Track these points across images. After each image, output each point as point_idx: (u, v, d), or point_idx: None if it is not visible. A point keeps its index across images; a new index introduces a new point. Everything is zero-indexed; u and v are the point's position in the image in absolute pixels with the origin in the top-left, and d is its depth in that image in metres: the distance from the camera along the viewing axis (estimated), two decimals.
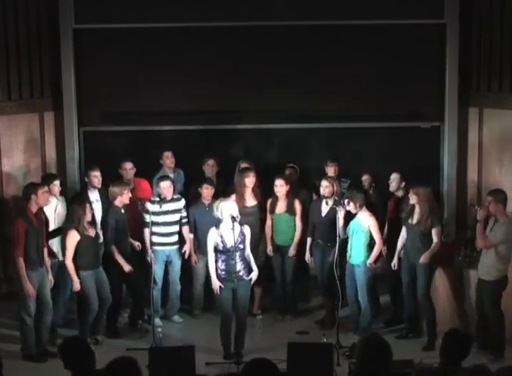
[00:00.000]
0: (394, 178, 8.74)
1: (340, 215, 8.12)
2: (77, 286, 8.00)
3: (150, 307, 8.26)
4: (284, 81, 9.94)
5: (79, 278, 8.00)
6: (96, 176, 8.72)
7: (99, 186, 8.76)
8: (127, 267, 8.29)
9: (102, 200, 8.67)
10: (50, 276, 8.02)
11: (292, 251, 8.77)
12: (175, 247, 8.77)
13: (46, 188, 7.96)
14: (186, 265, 8.93)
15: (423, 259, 8.02)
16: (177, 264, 8.79)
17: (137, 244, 8.61)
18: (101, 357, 4.86)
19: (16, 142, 9.70)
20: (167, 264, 8.77)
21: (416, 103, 10.15)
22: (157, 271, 8.58)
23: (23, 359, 7.78)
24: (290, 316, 8.89)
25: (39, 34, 9.84)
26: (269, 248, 8.85)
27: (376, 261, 8.26)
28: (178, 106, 10.07)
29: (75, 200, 8.53)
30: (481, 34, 9.81)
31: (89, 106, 10.09)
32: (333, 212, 8.23)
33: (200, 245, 8.74)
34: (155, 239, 8.52)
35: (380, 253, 8.45)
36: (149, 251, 8.37)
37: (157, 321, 8.53)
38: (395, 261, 8.33)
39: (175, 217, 8.71)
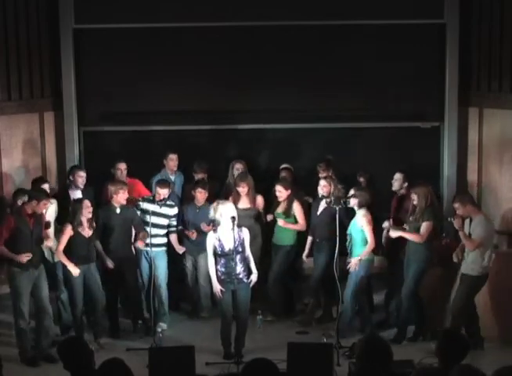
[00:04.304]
0: (398, 178, 8.69)
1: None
2: (75, 271, 7.87)
3: (150, 307, 8.25)
4: (284, 81, 9.94)
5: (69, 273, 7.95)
6: (81, 176, 8.69)
7: (82, 187, 8.72)
8: (109, 263, 8.20)
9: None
10: None
11: (268, 217, 8.74)
12: (159, 249, 8.53)
13: (34, 202, 7.61)
14: (192, 266, 8.86)
15: (388, 225, 8.12)
16: (161, 267, 8.52)
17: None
18: (101, 357, 4.86)
19: (15, 142, 9.72)
20: (152, 266, 8.53)
21: (416, 103, 10.15)
22: (143, 271, 8.52)
23: (21, 361, 7.64)
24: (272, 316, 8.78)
25: (39, 34, 9.85)
26: (269, 216, 8.79)
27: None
28: (178, 106, 10.06)
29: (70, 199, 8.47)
30: (481, 34, 9.82)
31: (89, 106, 10.10)
32: (329, 211, 8.21)
33: (189, 245, 8.71)
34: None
35: (377, 253, 8.46)
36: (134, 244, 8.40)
37: (162, 325, 8.47)
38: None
39: (162, 221, 8.53)
